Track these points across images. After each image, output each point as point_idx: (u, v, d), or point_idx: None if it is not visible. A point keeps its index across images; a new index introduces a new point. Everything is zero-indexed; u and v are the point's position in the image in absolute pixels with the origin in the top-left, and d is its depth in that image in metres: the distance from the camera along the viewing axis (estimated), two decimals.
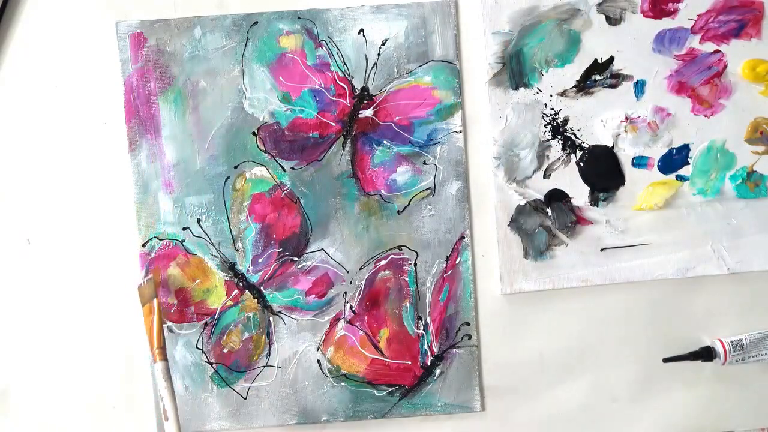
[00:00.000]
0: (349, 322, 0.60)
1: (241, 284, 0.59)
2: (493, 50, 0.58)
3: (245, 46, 0.58)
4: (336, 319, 0.60)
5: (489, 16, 0.58)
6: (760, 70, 0.58)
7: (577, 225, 0.59)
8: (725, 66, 0.59)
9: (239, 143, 0.59)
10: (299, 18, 0.58)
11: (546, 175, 0.59)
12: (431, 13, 0.58)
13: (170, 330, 0.59)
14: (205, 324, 0.60)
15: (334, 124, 0.59)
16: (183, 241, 0.59)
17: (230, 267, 0.59)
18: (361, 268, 0.59)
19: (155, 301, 0.54)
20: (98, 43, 0.58)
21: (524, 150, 0.59)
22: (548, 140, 0.59)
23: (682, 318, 0.60)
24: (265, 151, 0.59)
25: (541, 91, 0.59)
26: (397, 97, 0.59)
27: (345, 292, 0.60)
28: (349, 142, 0.59)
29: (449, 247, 0.59)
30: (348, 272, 0.59)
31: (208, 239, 0.59)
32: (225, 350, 0.60)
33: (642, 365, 0.61)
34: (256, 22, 0.58)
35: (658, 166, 0.59)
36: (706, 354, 0.59)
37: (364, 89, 0.58)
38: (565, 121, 0.59)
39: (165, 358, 0.52)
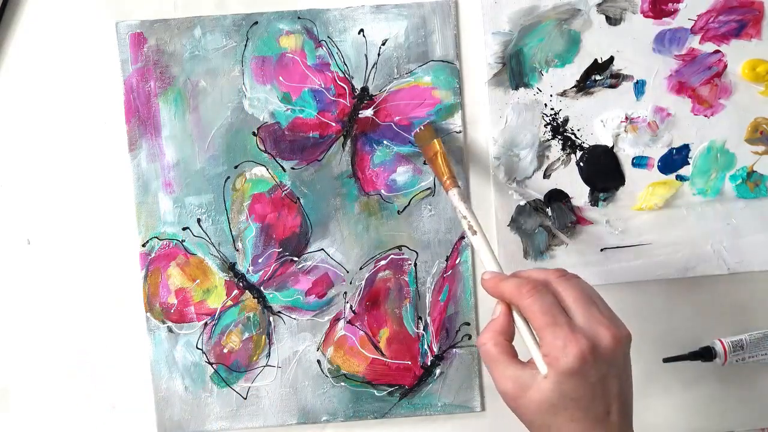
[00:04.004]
0: (349, 322, 0.60)
1: (241, 284, 0.59)
2: (493, 50, 0.58)
3: (245, 46, 0.58)
4: (336, 319, 0.60)
5: (489, 16, 0.58)
6: (760, 70, 0.58)
7: (577, 225, 0.59)
8: (725, 66, 0.59)
9: (239, 143, 0.59)
10: (299, 18, 0.58)
11: (546, 175, 0.59)
12: (431, 13, 0.58)
13: (170, 330, 0.59)
14: (205, 324, 0.60)
15: (334, 124, 0.59)
16: (183, 241, 0.59)
17: (230, 267, 0.59)
18: (361, 268, 0.60)
19: (436, 141, 0.55)
20: (98, 43, 0.58)
21: (524, 150, 0.59)
22: (548, 140, 0.59)
23: (682, 318, 0.60)
24: (265, 151, 0.59)
25: (541, 91, 0.59)
26: (397, 97, 0.59)
27: (345, 292, 0.60)
28: (349, 142, 0.59)
29: (449, 247, 0.59)
30: (348, 272, 0.60)
31: (208, 239, 0.59)
32: (225, 350, 0.60)
33: (642, 365, 0.61)
34: (256, 22, 0.58)
35: (658, 166, 0.59)
36: (706, 354, 0.59)
37: (364, 89, 0.59)
38: (565, 121, 0.59)
39: (457, 185, 0.53)
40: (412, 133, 0.58)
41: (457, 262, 0.59)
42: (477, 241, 0.51)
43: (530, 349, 0.45)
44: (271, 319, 0.60)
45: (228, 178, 0.59)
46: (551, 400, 0.43)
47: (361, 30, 0.58)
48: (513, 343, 0.46)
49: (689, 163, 0.59)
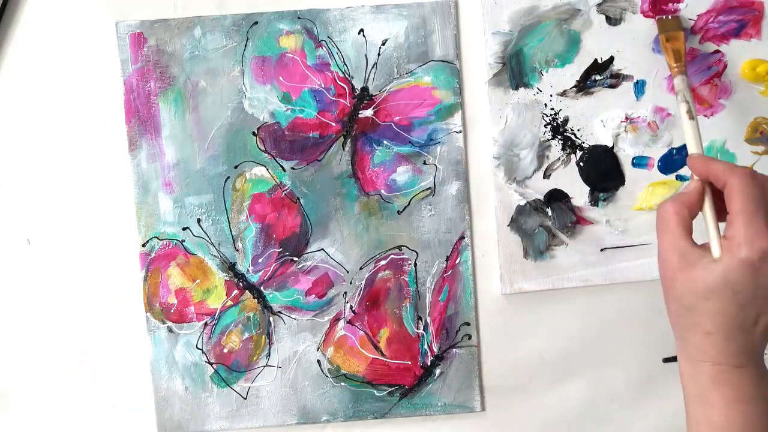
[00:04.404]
0: (349, 322, 0.60)
1: (241, 284, 0.59)
2: (493, 50, 0.58)
3: (245, 46, 0.58)
4: (336, 319, 0.60)
5: (489, 16, 0.58)
6: (760, 70, 0.58)
7: (577, 225, 0.59)
8: (725, 66, 0.59)
9: (239, 143, 0.59)
10: (299, 18, 0.58)
11: (546, 175, 0.59)
12: (431, 13, 0.58)
13: (170, 330, 0.59)
14: (205, 324, 0.60)
15: (334, 124, 0.59)
16: (183, 241, 0.59)
17: (230, 267, 0.59)
18: (361, 268, 0.60)
19: (683, 32, 0.56)
20: (98, 43, 0.58)
21: (524, 150, 0.59)
22: (548, 140, 0.59)
23: None
24: (265, 151, 0.59)
25: (541, 91, 0.59)
26: (397, 97, 0.59)
27: (345, 292, 0.60)
28: (349, 142, 0.59)
29: (449, 247, 0.59)
30: (348, 272, 0.60)
31: (208, 239, 0.59)
32: (225, 350, 0.60)
33: (642, 365, 0.61)
34: (256, 22, 0.58)
35: (658, 166, 0.59)
36: None
37: (364, 89, 0.59)
38: (565, 121, 0.59)
39: (685, 73, 0.54)
40: (656, 18, 0.58)
41: (457, 262, 0.59)
42: (692, 126, 0.50)
43: (710, 230, 0.44)
44: (271, 319, 0.60)
45: (228, 178, 0.59)
46: (711, 284, 0.41)
47: (361, 30, 0.58)
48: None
49: None
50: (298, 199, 0.59)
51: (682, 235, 0.44)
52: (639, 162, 0.59)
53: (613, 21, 0.58)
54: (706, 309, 0.42)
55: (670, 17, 0.58)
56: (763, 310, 0.42)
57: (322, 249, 0.59)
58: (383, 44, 0.58)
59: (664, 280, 0.44)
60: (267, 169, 0.59)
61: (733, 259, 0.41)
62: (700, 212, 0.46)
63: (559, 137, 0.59)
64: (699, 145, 0.49)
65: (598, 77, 0.59)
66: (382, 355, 0.60)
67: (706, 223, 0.45)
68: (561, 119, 0.59)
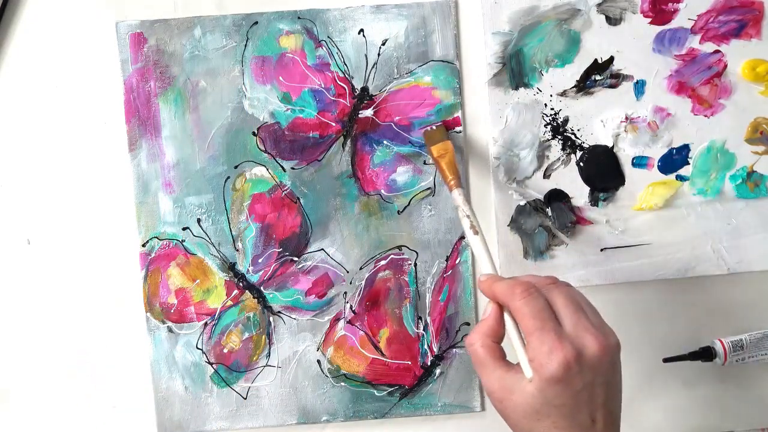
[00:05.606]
0: (349, 322, 0.60)
1: (241, 284, 0.59)
2: (493, 50, 0.58)
3: (245, 46, 0.58)
4: (336, 319, 0.60)
5: (489, 16, 0.58)
6: (760, 70, 0.58)
7: (577, 225, 0.59)
8: (725, 66, 0.59)
9: (239, 143, 0.59)
10: (299, 18, 0.58)
11: (546, 175, 0.59)
12: (431, 13, 0.58)
13: (170, 330, 0.59)
14: (205, 324, 0.60)
15: (334, 124, 0.59)
16: (183, 241, 0.59)
17: (230, 267, 0.59)
18: (361, 268, 0.60)
19: (448, 141, 0.56)
20: (98, 43, 0.58)
21: (524, 150, 0.59)
22: (548, 140, 0.59)
23: (682, 318, 0.60)
24: (265, 151, 0.59)
25: (541, 91, 0.59)
26: (397, 97, 0.59)
27: (345, 292, 0.60)
28: (349, 142, 0.59)
29: (449, 247, 0.59)
30: (348, 272, 0.60)
31: (208, 239, 0.59)
32: (225, 350, 0.60)
33: (642, 365, 0.61)
34: (256, 22, 0.58)
35: (658, 166, 0.59)
36: (706, 354, 0.59)
37: (364, 89, 0.59)
38: (565, 121, 0.59)
39: (461, 185, 0.54)
40: (423, 131, 0.58)
41: (457, 262, 0.59)
42: (477, 242, 0.50)
43: (517, 353, 0.45)
44: (271, 319, 0.60)
45: (228, 178, 0.59)
46: (534, 405, 0.43)
47: (361, 30, 0.58)
48: (503, 345, 0.46)
49: (689, 163, 0.59)
50: (298, 199, 0.59)
51: (495, 365, 0.45)
52: (639, 162, 0.59)
53: (613, 21, 0.58)
54: (542, 428, 0.43)
55: (434, 127, 0.57)
56: (593, 409, 0.43)
57: (322, 249, 0.59)
58: (383, 44, 0.58)
59: (498, 411, 0.45)
60: (267, 169, 0.59)
61: (542, 379, 0.42)
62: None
63: (559, 137, 0.59)
64: (488, 261, 0.49)
65: (598, 77, 0.59)
66: (382, 355, 0.60)
67: (512, 345, 0.46)
68: (561, 119, 0.59)
